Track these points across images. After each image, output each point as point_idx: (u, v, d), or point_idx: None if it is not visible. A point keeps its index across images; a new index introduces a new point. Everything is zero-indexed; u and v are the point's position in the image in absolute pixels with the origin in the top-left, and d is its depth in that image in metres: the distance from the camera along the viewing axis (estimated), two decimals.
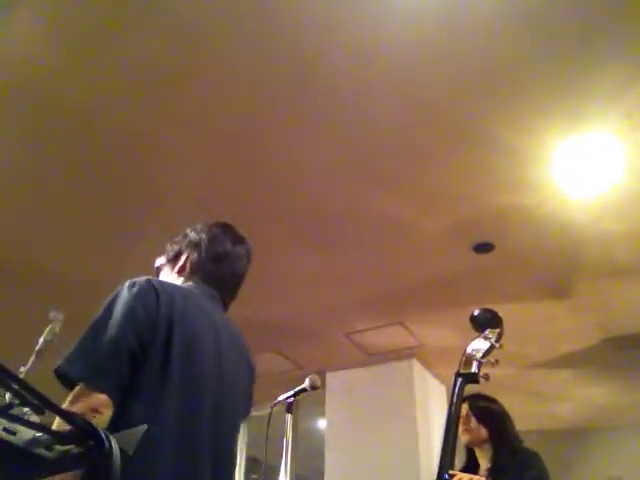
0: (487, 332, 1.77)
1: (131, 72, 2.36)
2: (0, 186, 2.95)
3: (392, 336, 4.40)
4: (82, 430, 0.62)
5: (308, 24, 2.16)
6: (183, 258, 1.47)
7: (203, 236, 1.48)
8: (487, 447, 2.27)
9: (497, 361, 1.70)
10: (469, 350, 1.73)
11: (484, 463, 2.25)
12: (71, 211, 3.13)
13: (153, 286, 1.22)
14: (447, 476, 1.57)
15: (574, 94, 2.42)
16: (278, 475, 2.09)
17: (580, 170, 2.84)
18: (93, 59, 2.30)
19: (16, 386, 0.58)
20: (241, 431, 1.65)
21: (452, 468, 1.63)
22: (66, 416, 0.63)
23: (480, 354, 1.71)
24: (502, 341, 1.76)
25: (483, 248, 3.40)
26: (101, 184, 2.94)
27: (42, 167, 2.84)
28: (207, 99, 2.48)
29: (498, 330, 1.78)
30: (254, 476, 5.53)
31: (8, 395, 0.60)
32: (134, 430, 0.73)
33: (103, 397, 1.03)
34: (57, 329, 1.99)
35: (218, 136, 2.69)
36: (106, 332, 1.10)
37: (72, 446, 0.61)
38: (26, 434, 0.59)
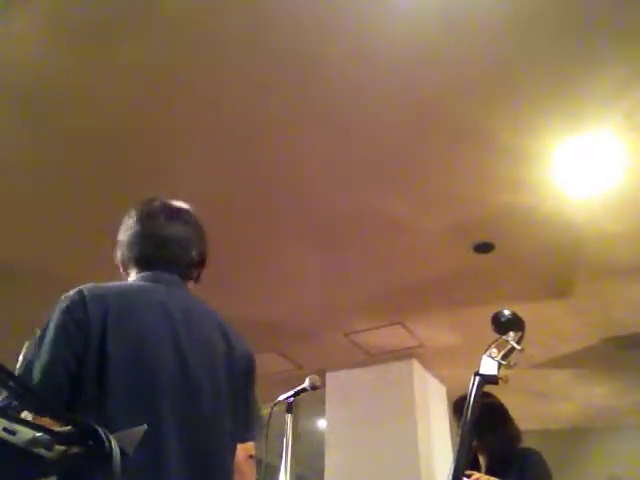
0: (510, 334, 1.77)
1: (131, 72, 2.36)
2: (0, 186, 2.95)
3: (392, 336, 4.40)
4: (82, 430, 0.62)
5: (308, 24, 2.16)
6: (118, 258, 1.45)
7: (122, 229, 1.47)
8: (482, 452, 2.28)
9: (516, 364, 1.71)
10: (490, 351, 1.74)
11: (483, 466, 2.27)
12: (71, 211, 3.13)
13: (83, 296, 1.20)
14: (464, 477, 1.58)
15: (574, 94, 2.42)
16: (278, 475, 2.09)
17: (580, 170, 2.84)
18: (93, 59, 2.30)
19: (15, 386, 0.58)
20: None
21: (468, 468, 1.63)
22: (66, 416, 0.63)
23: (501, 356, 1.71)
24: (523, 344, 1.76)
25: (483, 248, 3.40)
26: (101, 184, 2.94)
27: (42, 167, 2.84)
28: (208, 99, 2.48)
29: (520, 333, 1.78)
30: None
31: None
32: (134, 430, 0.72)
33: (45, 419, 1.04)
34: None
35: (218, 135, 2.68)
36: (41, 355, 1.11)
37: (72, 446, 0.61)
38: (26, 434, 0.58)
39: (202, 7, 2.10)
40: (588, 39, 2.18)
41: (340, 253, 3.50)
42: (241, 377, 1.37)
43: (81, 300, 1.19)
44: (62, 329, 1.14)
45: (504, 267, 3.58)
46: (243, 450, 1.35)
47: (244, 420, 1.36)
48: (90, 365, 1.12)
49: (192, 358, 1.26)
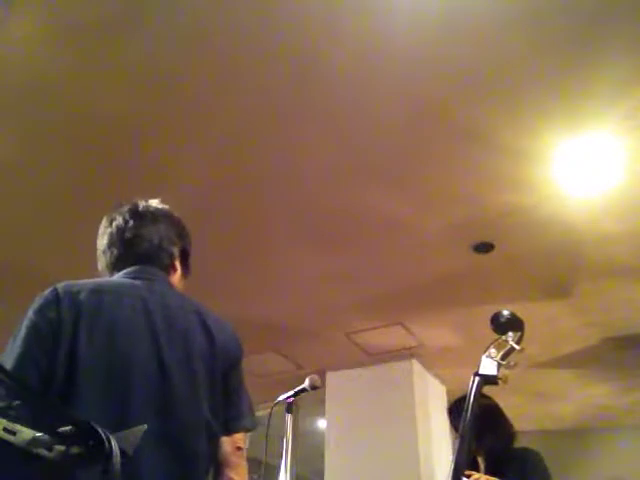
0: (509, 334, 1.77)
1: (131, 72, 2.36)
2: (0, 186, 2.95)
3: (392, 336, 4.40)
4: (82, 430, 0.62)
5: (308, 24, 2.16)
6: (99, 267, 1.49)
7: (98, 239, 1.50)
8: (480, 453, 2.29)
9: (516, 364, 1.71)
10: (490, 351, 1.74)
11: (482, 467, 2.28)
12: (71, 211, 3.13)
13: (56, 294, 1.21)
14: (464, 477, 1.58)
15: (574, 94, 2.42)
16: (278, 475, 2.09)
17: (580, 170, 2.84)
18: (93, 59, 2.30)
19: (15, 386, 0.58)
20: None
21: (467, 468, 1.63)
22: (66, 416, 0.63)
23: (500, 356, 1.71)
24: (523, 344, 1.76)
25: (483, 248, 3.40)
26: (101, 184, 2.94)
27: (42, 167, 2.84)
28: (207, 99, 2.48)
29: (520, 333, 1.78)
30: (254, 476, 5.52)
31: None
32: (134, 430, 0.73)
33: None
34: None
35: (217, 136, 2.68)
36: (11, 353, 1.12)
37: (72, 446, 0.61)
38: (26, 434, 0.58)
39: (202, 7, 2.10)
40: (588, 39, 2.18)
41: (340, 253, 3.50)
42: (223, 369, 1.35)
43: (54, 298, 1.20)
44: (34, 329, 1.16)
45: (504, 267, 3.58)
46: (230, 442, 1.33)
47: (229, 412, 1.34)
48: (61, 363, 1.13)
49: (170, 355, 1.25)
